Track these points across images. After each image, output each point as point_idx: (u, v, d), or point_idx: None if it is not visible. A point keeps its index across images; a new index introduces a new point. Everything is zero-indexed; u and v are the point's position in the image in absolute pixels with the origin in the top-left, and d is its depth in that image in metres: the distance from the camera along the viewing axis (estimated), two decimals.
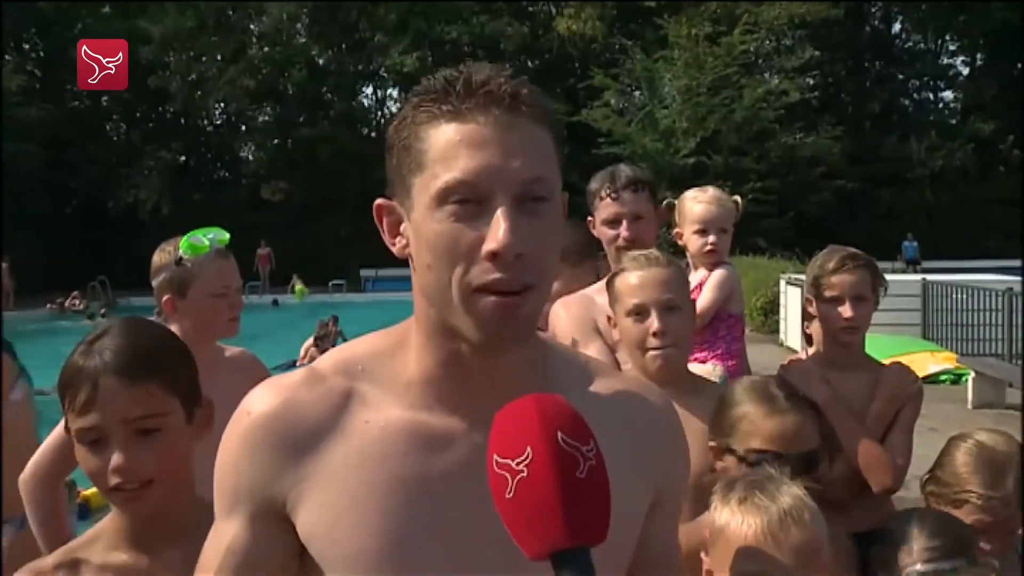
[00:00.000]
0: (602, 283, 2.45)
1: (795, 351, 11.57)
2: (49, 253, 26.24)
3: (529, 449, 0.75)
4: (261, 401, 0.93)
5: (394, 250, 0.93)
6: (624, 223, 2.33)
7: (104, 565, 1.23)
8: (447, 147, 0.86)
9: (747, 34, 25.48)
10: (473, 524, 0.88)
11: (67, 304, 21.63)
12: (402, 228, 0.92)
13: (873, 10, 33.16)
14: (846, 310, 2.12)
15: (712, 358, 2.39)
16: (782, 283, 13.11)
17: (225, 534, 0.92)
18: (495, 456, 0.77)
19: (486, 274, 0.85)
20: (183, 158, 32.93)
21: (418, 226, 0.88)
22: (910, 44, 34.07)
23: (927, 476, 1.87)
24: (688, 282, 1.97)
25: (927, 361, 9.21)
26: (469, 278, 0.85)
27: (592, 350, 2.17)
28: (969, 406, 7.99)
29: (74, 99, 31.50)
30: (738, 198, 2.60)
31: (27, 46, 31.84)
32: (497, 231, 0.83)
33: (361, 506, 0.88)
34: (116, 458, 1.18)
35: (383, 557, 0.88)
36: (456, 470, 0.90)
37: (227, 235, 2.16)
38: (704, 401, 1.74)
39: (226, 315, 2.11)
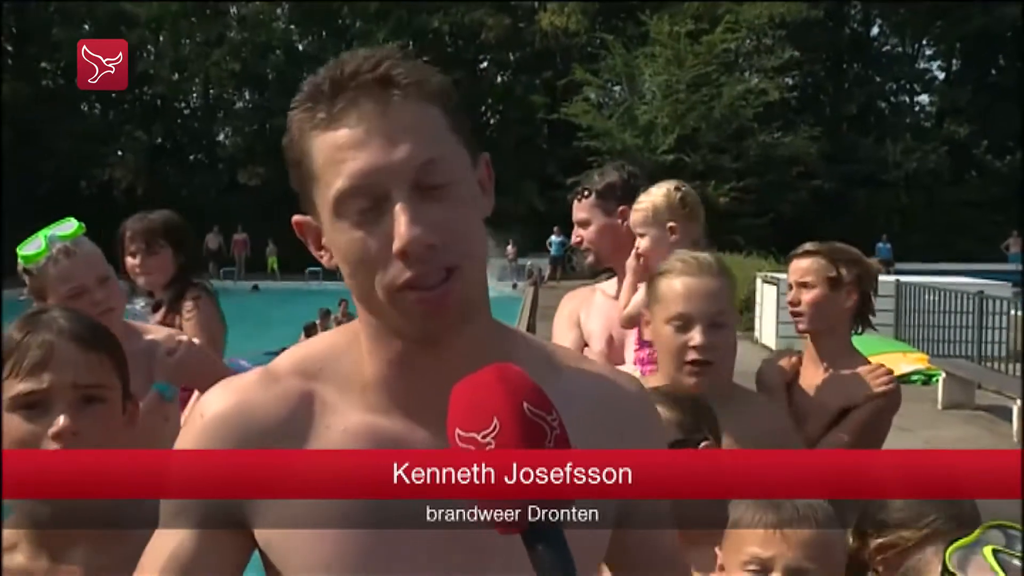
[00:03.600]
0: (615, 279, 2.42)
1: (770, 348, 11.66)
2: (17, 234, 25.77)
3: (496, 420, 0.73)
4: (215, 403, 0.90)
5: (323, 263, 0.90)
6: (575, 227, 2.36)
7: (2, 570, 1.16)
8: (330, 156, 0.83)
9: (728, 33, 25.60)
10: (437, 528, 0.85)
11: None
12: (324, 241, 0.89)
13: (852, 12, 33.42)
14: (789, 295, 2.13)
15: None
16: (758, 281, 13.19)
17: (170, 539, 0.88)
18: (457, 430, 0.75)
19: (403, 273, 0.82)
20: (159, 140, 32.55)
21: (330, 239, 0.86)
22: (888, 47, 34.37)
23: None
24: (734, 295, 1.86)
25: (899, 361, 9.32)
26: (389, 280, 0.83)
27: (566, 342, 2.17)
28: (939, 406, 8.09)
29: (46, 77, 31.02)
30: (675, 189, 2.30)
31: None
32: (400, 228, 0.80)
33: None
34: (63, 420, 1.13)
35: (345, 563, 0.85)
36: None
37: (73, 227, 1.98)
38: (752, 410, 1.71)
39: (91, 312, 1.92)
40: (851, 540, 1.53)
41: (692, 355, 1.65)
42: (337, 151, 0.82)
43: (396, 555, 0.86)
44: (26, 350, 1.15)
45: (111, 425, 1.18)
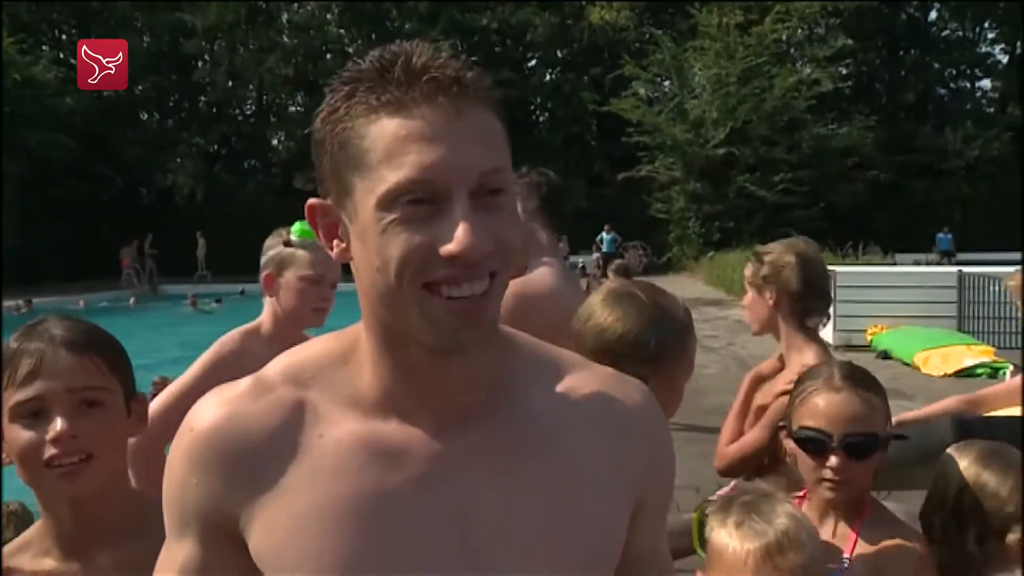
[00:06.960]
0: None
1: (827, 343, 11.42)
2: (82, 240, 26.70)
3: None
4: (204, 415, 0.87)
5: (333, 254, 0.86)
6: None
7: (34, 573, 1.18)
8: (392, 144, 0.78)
9: (779, 23, 25.19)
10: (434, 539, 0.83)
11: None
12: (340, 231, 0.85)
13: None
14: None
15: None
16: None
17: (178, 554, 0.88)
18: None
19: (442, 270, 0.78)
20: (215, 147, 33.31)
21: (364, 230, 0.81)
22: (947, 32, 33.45)
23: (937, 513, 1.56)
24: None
25: (963, 355, 9.08)
26: (422, 275, 0.79)
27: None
28: None
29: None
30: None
31: (64, 36, 32.26)
32: (457, 232, 0.77)
33: (314, 527, 0.83)
34: (59, 425, 1.14)
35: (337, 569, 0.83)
36: (415, 484, 0.84)
37: None
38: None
39: (312, 303, 2.10)
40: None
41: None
42: (403, 141, 0.78)
43: (390, 569, 0.83)
44: (19, 360, 1.17)
45: (115, 427, 1.20)
